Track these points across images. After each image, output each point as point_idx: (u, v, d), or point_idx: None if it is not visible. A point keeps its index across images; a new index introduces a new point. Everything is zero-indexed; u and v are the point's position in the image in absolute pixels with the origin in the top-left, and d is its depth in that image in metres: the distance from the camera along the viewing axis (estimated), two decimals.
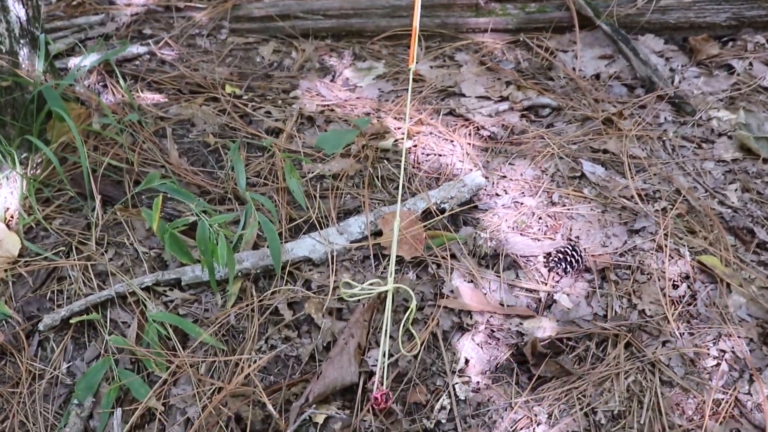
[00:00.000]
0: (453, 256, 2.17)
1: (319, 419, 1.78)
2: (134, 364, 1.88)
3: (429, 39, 3.29)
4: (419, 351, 1.90)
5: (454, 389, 1.83)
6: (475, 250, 2.20)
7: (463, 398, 1.81)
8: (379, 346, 1.86)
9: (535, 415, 1.77)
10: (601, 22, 3.12)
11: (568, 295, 2.09)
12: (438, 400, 1.80)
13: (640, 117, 2.80)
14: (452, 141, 2.66)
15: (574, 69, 3.09)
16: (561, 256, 2.13)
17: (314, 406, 1.75)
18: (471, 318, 2.00)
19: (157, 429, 1.74)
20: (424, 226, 2.24)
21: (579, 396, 1.81)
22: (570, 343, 1.94)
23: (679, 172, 2.54)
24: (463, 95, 2.93)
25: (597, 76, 3.07)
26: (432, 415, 1.77)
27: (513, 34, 3.26)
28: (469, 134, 2.71)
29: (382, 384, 1.77)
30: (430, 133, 2.69)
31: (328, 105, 2.86)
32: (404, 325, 1.94)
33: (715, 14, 3.18)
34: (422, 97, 2.90)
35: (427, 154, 2.60)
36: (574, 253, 2.12)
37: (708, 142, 2.71)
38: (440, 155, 2.59)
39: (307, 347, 1.92)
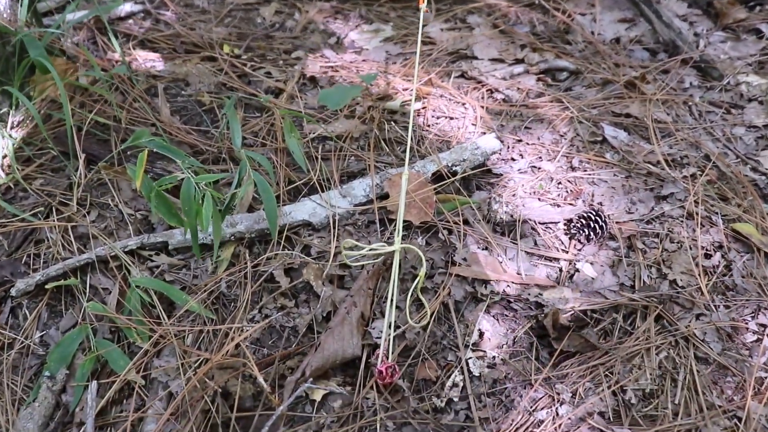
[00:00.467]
0: (466, 222, 1.99)
1: (317, 396, 1.60)
2: (114, 333, 1.71)
3: (439, 1, 3.09)
4: (429, 323, 1.73)
5: (468, 365, 1.65)
6: (489, 215, 2.02)
7: (477, 374, 1.64)
8: (384, 316, 1.69)
9: (558, 394, 1.60)
10: None
11: (591, 264, 1.91)
12: (449, 376, 1.63)
13: (663, 81, 2.61)
14: (464, 104, 2.47)
15: (592, 33, 2.90)
16: (584, 221, 1.95)
17: (311, 380, 1.58)
18: (486, 287, 1.83)
19: (135, 404, 1.57)
20: (435, 190, 2.06)
21: (606, 373, 1.64)
22: (595, 315, 1.76)
23: (708, 138, 2.35)
24: (476, 58, 2.74)
25: (617, 41, 2.88)
26: (443, 393, 1.60)
27: None
28: (482, 97, 2.52)
29: (387, 357, 1.60)
30: (441, 96, 2.51)
31: (332, 66, 2.67)
32: (413, 293, 1.76)
33: None
34: (432, 59, 2.72)
35: (438, 117, 2.42)
36: (597, 218, 1.94)
37: (737, 107, 2.52)
38: (451, 118, 2.41)
39: (305, 317, 1.75)
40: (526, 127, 2.39)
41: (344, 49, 2.81)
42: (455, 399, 1.59)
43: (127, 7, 2.90)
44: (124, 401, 1.58)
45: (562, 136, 2.35)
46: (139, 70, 2.54)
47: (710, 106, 2.52)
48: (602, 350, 1.69)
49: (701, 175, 2.17)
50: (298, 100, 2.45)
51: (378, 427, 1.54)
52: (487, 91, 2.55)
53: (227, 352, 1.59)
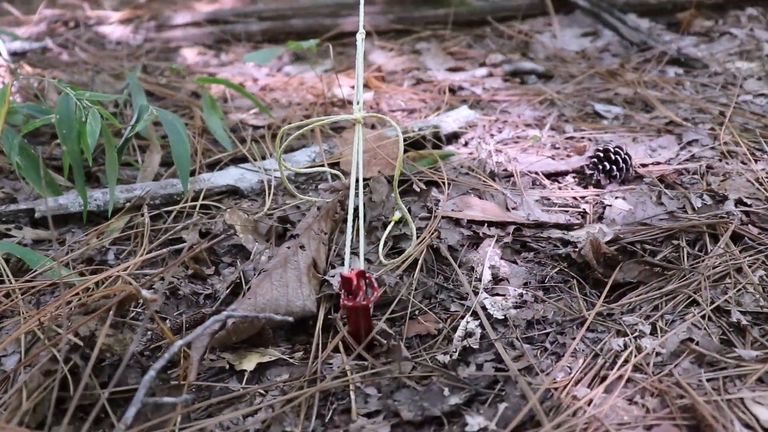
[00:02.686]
0: (448, 180, 1.49)
1: (247, 363, 0.98)
2: None
3: (382, 36, 2.82)
4: (416, 271, 1.16)
5: (485, 307, 1.07)
6: (477, 169, 1.53)
7: (500, 317, 1.05)
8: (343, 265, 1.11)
9: (632, 326, 1.02)
10: None
11: (624, 198, 1.41)
12: (455, 328, 1.04)
13: (645, 71, 2.30)
14: (423, 100, 2.08)
15: (555, 48, 2.63)
16: (603, 154, 1.48)
17: (235, 338, 0.97)
18: (489, 230, 1.29)
19: None
20: (405, 152, 1.58)
21: (691, 299, 1.08)
22: (648, 246, 1.23)
23: (713, 105, 1.99)
24: (430, 69, 2.40)
25: (583, 53, 2.61)
26: (450, 348, 1.00)
27: (478, 26, 2.83)
28: (443, 92, 2.13)
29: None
30: (395, 94, 2.11)
31: (264, 85, 2.27)
32: (388, 233, 1.21)
33: None
34: (381, 75, 2.35)
35: (393, 110, 2.00)
36: (618, 153, 1.48)
37: (733, 85, 2.20)
38: (411, 111, 1.99)
39: (229, 278, 1.16)
40: (502, 111, 1.98)
41: (278, 76, 2.44)
42: (474, 346, 0.99)
43: (26, 45, 2.51)
44: None
45: (546, 114, 1.95)
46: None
47: (704, 87, 2.20)
48: (677, 275, 1.14)
49: (722, 127, 1.76)
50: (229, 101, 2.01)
51: (351, 394, 0.91)
52: (449, 89, 2.17)
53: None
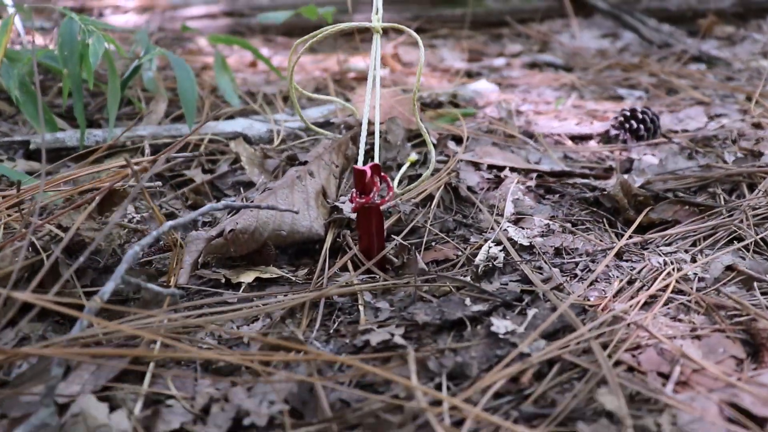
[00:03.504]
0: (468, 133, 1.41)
1: (245, 278, 0.89)
2: None
3: (400, 33, 2.78)
4: (432, 206, 1.08)
5: (509, 235, 0.98)
6: (500, 124, 1.46)
7: (526, 244, 0.96)
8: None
9: (671, 254, 0.93)
10: (597, 0, 2.69)
11: (653, 155, 1.33)
12: (476, 255, 0.95)
13: (667, 65, 2.24)
14: (440, 79, 2.02)
15: (574, 47, 2.58)
16: (630, 113, 1.41)
17: (233, 249, 0.88)
18: (510, 172, 1.21)
19: None
20: (423, 111, 1.51)
21: (734, 235, 0.99)
22: (681, 195, 1.14)
23: (740, 93, 1.92)
24: (445, 60, 2.35)
25: (602, 52, 2.56)
26: (470, 270, 0.91)
27: (496, 26, 2.79)
28: (460, 74, 2.07)
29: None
30: (411, 75, 2.06)
31: (277, 66, 2.22)
32: (403, 172, 1.13)
33: (719, 0, 2.80)
34: (398, 58, 2.30)
35: (410, 87, 1.94)
36: (646, 111, 1.41)
37: (758, 78, 2.14)
38: (430, 87, 1.93)
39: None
40: (522, 90, 1.92)
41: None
42: (500, 265, 0.90)
43: None
44: None
45: (567, 95, 1.88)
46: None
47: (729, 79, 2.13)
48: (716, 215, 1.05)
49: (753, 103, 1.69)
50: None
51: (360, 308, 0.82)
52: (466, 74, 2.11)
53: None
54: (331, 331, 0.79)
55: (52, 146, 1.26)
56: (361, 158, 0.88)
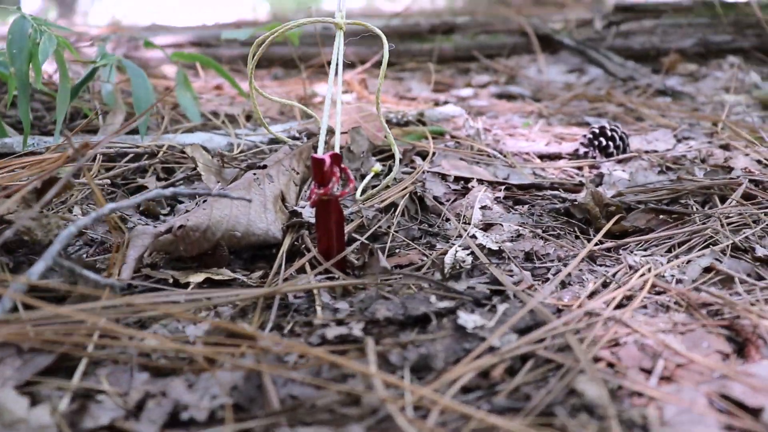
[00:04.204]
0: (434, 154, 1.37)
1: (194, 278, 0.82)
2: None
3: (363, 63, 2.77)
4: (397, 214, 1.03)
5: (476, 239, 0.93)
6: (467, 142, 1.43)
7: (495, 249, 0.91)
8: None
9: (647, 257, 0.89)
10: (563, 37, 2.73)
11: (623, 170, 1.30)
12: (442, 259, 0.89)
13: (633, 97, 2.26)
14: (407, 105, 2.00)
15: (541, 81, 2.60)
16: (598, 131, 1.39)
17: (183, 248, 0.82)
18: (478, 184, 1.17)
19: None
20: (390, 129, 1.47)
21: (710, 240, 0.95)
22: (653, 207, 1.11)
23: (709, 119, 1.93)
24: (413, 90, 2.34)
25: (569, 85, 2.58)
26: (436, 271, 0.85)
27: (463, 61, 2.81)
28: (426, 102, 2.05)
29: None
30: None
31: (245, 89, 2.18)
32: (366, 182, 1.08)
33: (680, 39, 2.87)
34: (364, 82, 2.28)
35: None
36: (615, 128, 1.39)
37: (722, 111, 2.16)
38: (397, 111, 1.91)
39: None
40: (490, 116, 1.90)
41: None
42: (466, 269, 0.85)
43: None
44: None
45: (534, 121, 1.87)
46: None
47: (694, 110, 2.15)
48: (690, 223, 1.02)
49: (720, 127, 1.70)
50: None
51: (318, 308, 0.76)
52: (433, 102, 2.10)
53: None
54: (285, 331, 0.72)
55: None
56: (320, 150, 0.83)
